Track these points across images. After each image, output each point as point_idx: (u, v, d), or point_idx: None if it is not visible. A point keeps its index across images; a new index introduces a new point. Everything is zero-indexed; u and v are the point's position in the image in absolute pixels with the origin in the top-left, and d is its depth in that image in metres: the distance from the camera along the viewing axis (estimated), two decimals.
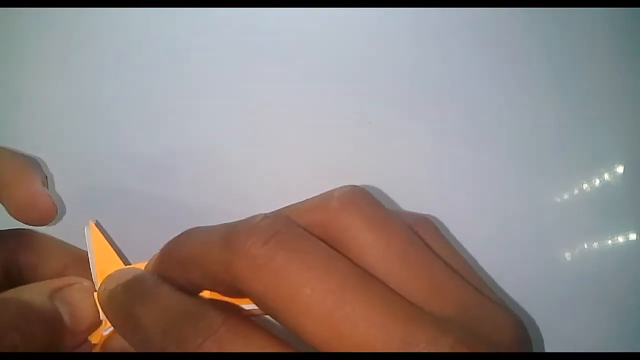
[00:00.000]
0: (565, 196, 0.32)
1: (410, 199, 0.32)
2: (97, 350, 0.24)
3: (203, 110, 0.32)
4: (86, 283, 0.24)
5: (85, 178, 0.32)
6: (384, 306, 0.18)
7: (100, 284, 0.23)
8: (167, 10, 0.32)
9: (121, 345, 0.23)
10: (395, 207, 0.31)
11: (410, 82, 0.32)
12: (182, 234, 0.22)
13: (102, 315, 0.23)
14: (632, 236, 0.31)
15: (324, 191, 0.31)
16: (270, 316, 0.19)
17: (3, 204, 0.24)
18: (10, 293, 0.22)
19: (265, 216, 0.20)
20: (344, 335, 0.17)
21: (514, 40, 0.32)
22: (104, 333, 0.23)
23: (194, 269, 0.20)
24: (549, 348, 0.30)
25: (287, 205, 0.24)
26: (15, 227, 0.26)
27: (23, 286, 0.23)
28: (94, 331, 0.23)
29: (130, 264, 0.24)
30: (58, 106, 0.32)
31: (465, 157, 0.32)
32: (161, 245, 0.23)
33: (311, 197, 0.23)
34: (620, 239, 0.31)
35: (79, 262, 0.25)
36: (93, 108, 0.32)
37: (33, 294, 0.22)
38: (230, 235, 0.19)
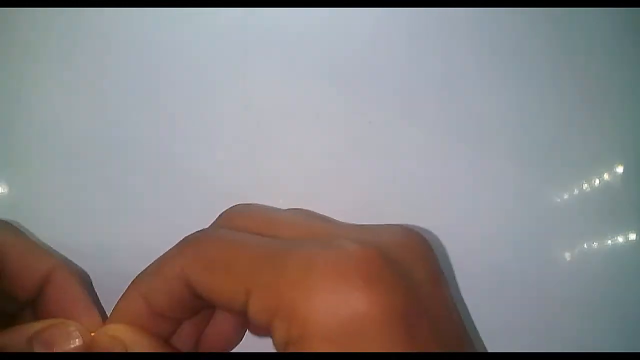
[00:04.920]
0: (565, 196, 0.32)
1: (409, 198, 0.32)
2: None
3: (202, 110, 0.32)
4: (69, 322, 0.24)
5: (84, 177, 0.32)
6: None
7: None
8: (167, 10, 0.32)
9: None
10: (395, 207, 0.31)
11: (410, 82, 0.32)
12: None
13: None
14: (632, 236, 0.31)
15: (322, 191, 0.31)
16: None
17: None
18: None
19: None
20: None
21: (513, 40, 0.32)
22: None
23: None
24: (549, 348, 0.30)
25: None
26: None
27: (5, 330, 0.23)
28: None
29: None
30: (58, 107, 0.32)
31: (465, 156, 0.32)
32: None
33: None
34: (620, 239, 0.31)
35: (63, 269, 0.25)
36: (92, 108, 0.32)
37: (11, 338, 0.22)
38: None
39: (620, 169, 0.31)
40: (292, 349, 0.20)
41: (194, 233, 0.24)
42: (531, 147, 0.32)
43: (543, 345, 0.30)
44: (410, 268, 0.21)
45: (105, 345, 0.23)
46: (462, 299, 0.31)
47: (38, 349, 0.22)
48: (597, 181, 0.31)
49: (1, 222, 0.27)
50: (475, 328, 0.30)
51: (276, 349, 0.21)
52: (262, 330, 0.22)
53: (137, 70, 0.32)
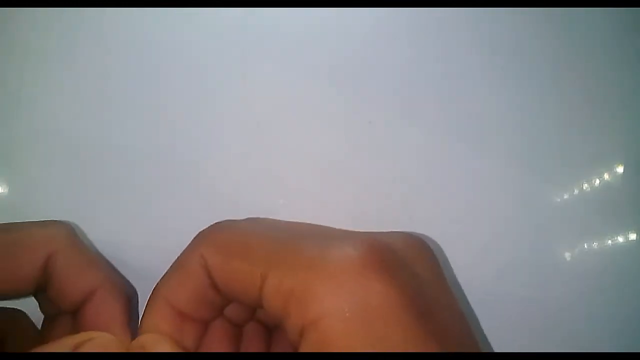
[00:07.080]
0: (565, 196, 0.32)
1: (409, 199, 0.32)
2: None
3: (202, 110, 0.32)
4: (106, 336, 0.24)
5: (84, 177, 0.32)
6: None
7: None
8: (167, 10, 0.32)
9: None
10: (394, 207, 0.31)
11: (410, 82, 0.32)
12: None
13: None
14: (632, 236, 0.31)
15: (322, 191, 0.31)
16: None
17: None
18: None
19: None
20: None
21: (513, 40, 0.32)
22: None
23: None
24: (549, 348, 0.30)
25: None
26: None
27: (44, 346, 0.23)
28: None
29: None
30: (58, 107, 0.32)
31: (465, 156, 0.32)
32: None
33: None
34: (620, 239, 0.31)
35: (107, 286, 0.26)
36: (92, 108, 0.32)
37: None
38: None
39: (620, 169, 0.31)
40: (308, 335, 0.19)
41: (213, 224, 0.24)
42: (531, 147, 0.32)
43: (543, 345, 0.30)
44: (415, 268, 0.22)
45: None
46: (464, 297, 0.31)
47: None
48: (597, 181, 0.31)
49: (59, 227, 0.27)
50: (480, 328, 0.30)
51: (290, 339, 0.21)
52: (276, 320, 0.21)
53: (137, 70, 0.32)
